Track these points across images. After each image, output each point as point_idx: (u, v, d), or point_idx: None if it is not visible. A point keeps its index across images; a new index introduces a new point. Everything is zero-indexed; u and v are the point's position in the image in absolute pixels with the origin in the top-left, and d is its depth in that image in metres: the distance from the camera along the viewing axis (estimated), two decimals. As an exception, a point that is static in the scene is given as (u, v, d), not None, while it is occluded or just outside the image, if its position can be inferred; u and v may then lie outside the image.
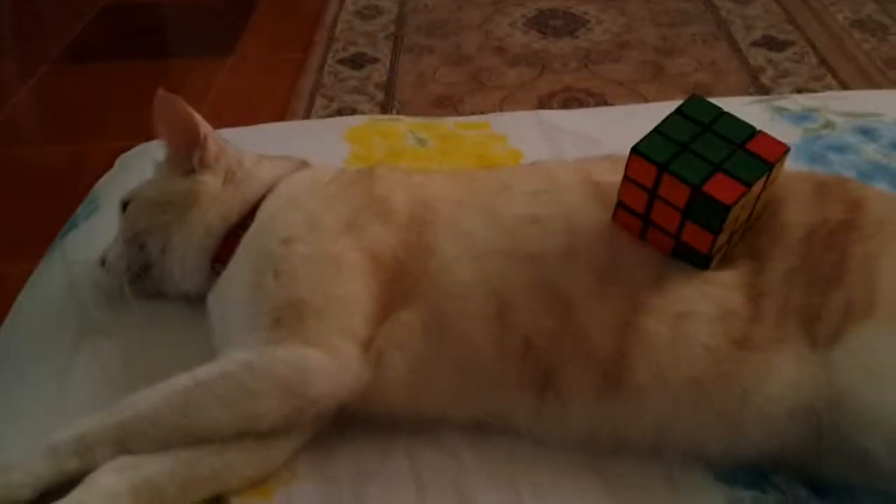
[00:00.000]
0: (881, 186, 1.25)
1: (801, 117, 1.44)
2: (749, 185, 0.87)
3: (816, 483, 0.87)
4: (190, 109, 1.06)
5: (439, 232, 0.96)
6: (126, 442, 0.86)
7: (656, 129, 0.93)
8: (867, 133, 1.38)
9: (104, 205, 1.28)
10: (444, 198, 1.00)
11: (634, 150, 0.91)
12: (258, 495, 0.88)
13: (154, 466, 0.85)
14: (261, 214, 1.04)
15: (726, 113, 0.95)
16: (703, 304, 0.89)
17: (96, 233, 1.21)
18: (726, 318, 0.88)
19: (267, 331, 0.92)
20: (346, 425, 0.93)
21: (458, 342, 0.92)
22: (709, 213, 0.87)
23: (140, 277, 1.08)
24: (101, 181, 1.40)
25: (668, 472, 0.89)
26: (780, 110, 1.46)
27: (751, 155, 0.90)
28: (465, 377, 0.92)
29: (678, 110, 0.95)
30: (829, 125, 1.41)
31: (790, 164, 1.26)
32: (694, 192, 0.88)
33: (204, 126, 1.07)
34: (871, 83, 2.67)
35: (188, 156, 1.07)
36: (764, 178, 0.90)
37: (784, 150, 0.92)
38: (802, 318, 0.87)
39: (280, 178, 1.08)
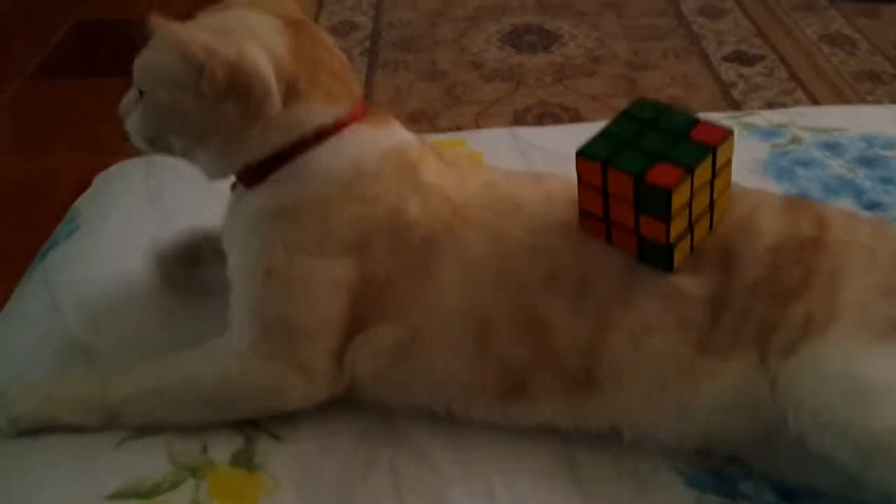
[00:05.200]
0: (846, 200, 1.29)
1: (769, 133, 1.47)
2: (690, 169, 0.89)
3: (785, 489, 0.90)
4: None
5: (446, 257, 0.95)
6: (118, 417, 0.95)
7: (601, 131, 0.95)
8: (832, 148, 1.42)
9: (84, 223, 1.29)
10: (467, 217, 0.96)
11: (579, 152, 0.93)
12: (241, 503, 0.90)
13: None
14: (284, 188, 0.96)
15: (671, 109, 0.96)
16: (665, 318, 0.92)
17: (78, 252, 1.22)
18: (686, 327, 0.91)
19: (257, 338, 0.95)
20: (328, 437, 0.96)
21: (433, 361, 0.95)
22: (655, 200, 0.89)
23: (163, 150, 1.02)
24: (80, 200, 1.40)
25: (641, 478, 0.92)
26: (749, 126, 1.50)
27: (693, 143, 0.92)
28: (436, 387, 0.96)
29: (624, 112, 0.97)
30: (796, 140, 1.45)
31: (758, 180, 1.31)
32: (637, 181, 0.89)
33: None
34: (841, 97, 2.73)
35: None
36: (709, 163, 0.91)
37: (726, 133, 0.93)
38: (761, 329, 0.90)
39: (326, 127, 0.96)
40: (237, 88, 0.91)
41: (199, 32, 0.92)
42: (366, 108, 1.01)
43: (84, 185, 1.47)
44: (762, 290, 0.92)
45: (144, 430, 0.95)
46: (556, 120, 2.67)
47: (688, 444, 0.93)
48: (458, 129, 2.51)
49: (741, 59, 2.99)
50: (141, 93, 0.98)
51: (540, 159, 1.42)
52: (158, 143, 1.00)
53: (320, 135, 0.95)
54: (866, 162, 1.39)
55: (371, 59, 3.06)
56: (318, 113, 0.95)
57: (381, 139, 0.99)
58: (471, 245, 0.95)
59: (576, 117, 2.68)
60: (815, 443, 0.85)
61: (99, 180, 1.46)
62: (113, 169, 1.47)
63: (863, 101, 2.70)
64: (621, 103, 2.73)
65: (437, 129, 2.57)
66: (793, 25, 3.19)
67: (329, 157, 0.95)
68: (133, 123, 0.99)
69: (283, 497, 0.90)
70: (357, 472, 0.93)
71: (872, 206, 1.28)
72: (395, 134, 1.01)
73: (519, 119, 2.67)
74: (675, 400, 0.91)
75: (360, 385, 0.96)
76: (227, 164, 0.99)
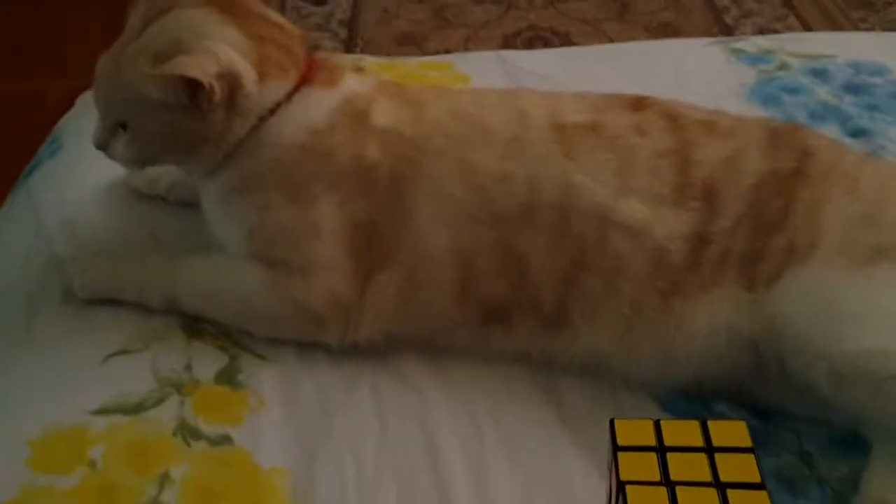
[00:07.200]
0: (832, 127, 1.29)
1: (757, 59, 1.46)
2: None
3: (760, 410, 0.92)
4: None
5: (419, 193, 0.96)
6: (177, 304, 1.00)
7: None
8: (820, 75, 1.41)
9: (68, 143, 1.28)
10: (428, 148, 0.97)
11: None
12: (228, 422, 0.91)
13: None
14: (243, 163, 0.98)
15: None
16: (638, 261, 0.92)
17: (61, 172, 1.21)
18: (661, 270, 0.92)
19: (262, 271, 0.97)
20: (311, 356, 0.98)
21: (425, 305, 0.96)
22: None
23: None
24: (64, 120, 1.39)
25: (617, 402, 0.94)
26: (738, 52, 1.48)
27: None
28: (423, 322, 0.98)
29: None
30: (783, 66, 1.44)
31: (744, 106, 1.31)
32: None
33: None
34: (833, 24, 2.70)
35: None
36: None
37: None
38: (743, 262, 0.91)
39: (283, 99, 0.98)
40: (228, 93, 0.93)
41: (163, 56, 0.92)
42: (313, 64, 1.01)
43: (67, 106, 1.45)
44: (745, 226, 0.92)
45: (128, 348, 0.97)
46: (547, 44, 2.64)
47: (677, 385, 0.94)
48: (447, 52, 2.49)
49: (734, -18, 2.95)
50: (123, 126, 0.99)
51: (528, 83, 1.41)
52: (149, 162, 1.04)
53: (274, 109, 0.97)
54: (853, 89, 1.38)
55: (359, -22, 3.01)
56: (273, 89, 0.97)
57: (329, 97, 0.99)
58: (442, 178, 0.96)
59: (566, 41, 2.66)
60: (792, 366, 0.87)
61: (82, 101, 1.45)
62: (96, 89, 1.45)
63: (856, 28, 2.68)
64: (613, 27, 2.74)
65: (424, 52, 2.54)
66: (788, -50, 3.14)
67: (280, 126, 0.97)
68: (119, 154, 1.01)
69: (267, 414, 0.92)
70: (340, 390, 0.95)
71: (857, 132, 1.28)
72: (344, 87, 1.01)
73: (508, 43, 2.64)
74: (652, 345, 0.92)
75: (371, 340, 0.98)
76: (214, 160, 0.99)
